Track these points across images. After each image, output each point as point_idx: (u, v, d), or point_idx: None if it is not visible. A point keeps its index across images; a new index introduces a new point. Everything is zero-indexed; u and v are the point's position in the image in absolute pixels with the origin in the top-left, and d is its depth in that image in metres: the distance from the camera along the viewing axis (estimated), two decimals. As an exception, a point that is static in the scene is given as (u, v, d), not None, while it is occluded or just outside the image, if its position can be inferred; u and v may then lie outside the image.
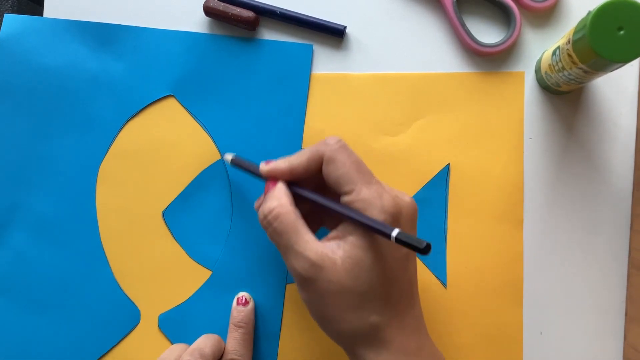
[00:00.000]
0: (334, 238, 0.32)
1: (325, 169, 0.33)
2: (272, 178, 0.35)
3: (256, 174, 0.37)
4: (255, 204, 0.37)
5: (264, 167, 0.35)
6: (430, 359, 0.32)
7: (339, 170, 0.32)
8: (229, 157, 0.40)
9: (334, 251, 0.31)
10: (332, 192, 0.33)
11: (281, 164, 0.35)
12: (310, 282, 0.31)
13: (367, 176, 0.32)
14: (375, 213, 0.30)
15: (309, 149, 0.34)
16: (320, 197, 0.33)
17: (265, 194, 0.35)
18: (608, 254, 0.41)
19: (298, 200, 0.34)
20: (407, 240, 0.26)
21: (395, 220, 0.31)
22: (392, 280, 0.31)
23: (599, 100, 0.42)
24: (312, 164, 0.33)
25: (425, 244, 0.26)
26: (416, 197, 0.41)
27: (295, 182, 0.35)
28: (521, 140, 0.42)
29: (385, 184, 0.33)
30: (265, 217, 0.33)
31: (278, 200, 0.33)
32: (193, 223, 0.42)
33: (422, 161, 0.42)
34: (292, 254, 0.32)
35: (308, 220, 0.33)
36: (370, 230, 0.30)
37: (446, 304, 0.40)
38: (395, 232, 0.27)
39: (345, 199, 0.32)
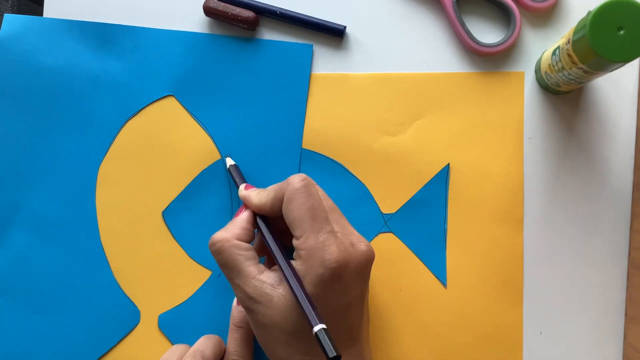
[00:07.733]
0: (278, 270, 0.32)
1: (283, 210, 0.33)
2: (245, 204, 0.36)
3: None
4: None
5: (241, 190, 0.37)
6: None
7: (293, 213, 0.32)
8: (229, 162, 0.40)
9: (274, 287, 0.32)
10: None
11: (253, 197, 0.36)
12: (249, 311, 0.33)
13: (319, 223, 0.31)
14: (316, 265, 0.30)
15: (275, 187, 0.34)
16: (272, 241, 0.34)
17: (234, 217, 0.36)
18: (608, 254, 0.41)
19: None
20: (322, 342, 0.27)
21: (336, 275, 0.30)
22: (326, 325, 0.31)
23: (599, 100, 0.42)
24: (276, 202, 0.34)
25: (334, 355, 0.26)
26: (416, 197, 0.41)
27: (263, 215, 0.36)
28: (521, 140, 0.42)
29: (347, 227, 0.33)
30: (212, 246, 0.34)
31: (229, 232, 0.34)
32: (193, 223, 0.42)
33: (422, 161, 0.42)
34: (233, 285, 0.33)
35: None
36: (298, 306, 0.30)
37: (446, 304, 0.40)
38: (317, 328, 0.27)
39: (293, 242, 0.32)
